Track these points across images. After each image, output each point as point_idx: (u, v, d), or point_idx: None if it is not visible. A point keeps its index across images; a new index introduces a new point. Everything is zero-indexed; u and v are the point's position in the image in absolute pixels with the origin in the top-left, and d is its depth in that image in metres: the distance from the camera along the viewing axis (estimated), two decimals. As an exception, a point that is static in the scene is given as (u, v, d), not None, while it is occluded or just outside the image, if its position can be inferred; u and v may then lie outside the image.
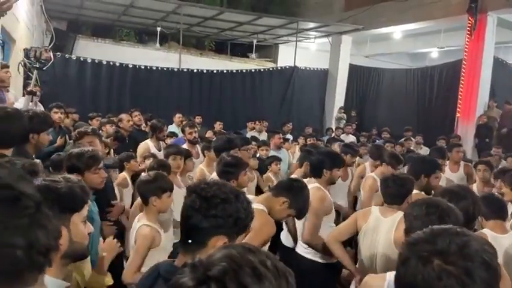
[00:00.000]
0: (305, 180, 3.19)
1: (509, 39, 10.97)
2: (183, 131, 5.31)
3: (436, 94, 11.30)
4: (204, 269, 0.77)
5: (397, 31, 11.75)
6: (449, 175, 5.07)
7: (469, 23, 9.06)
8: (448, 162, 5.21)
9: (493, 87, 9.63)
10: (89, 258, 1.89)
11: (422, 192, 3.09)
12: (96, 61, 9.89)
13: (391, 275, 1.66)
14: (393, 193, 2.64)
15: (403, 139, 8.45)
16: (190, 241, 1.33)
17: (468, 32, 9.16)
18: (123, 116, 5.54)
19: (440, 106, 10.88)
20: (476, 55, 9.15)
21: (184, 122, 6.35)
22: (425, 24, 10.52)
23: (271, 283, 0.78)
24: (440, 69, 11.42)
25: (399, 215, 2.43)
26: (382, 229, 2.55)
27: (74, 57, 9.85)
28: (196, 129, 5.16)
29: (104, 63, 9.97)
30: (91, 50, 10.83)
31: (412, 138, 8.66)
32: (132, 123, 5.63)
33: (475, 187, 4.59)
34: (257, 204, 2.40)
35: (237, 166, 2.99)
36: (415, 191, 3.01)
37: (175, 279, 0.79)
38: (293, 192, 2.46)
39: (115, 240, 2.16)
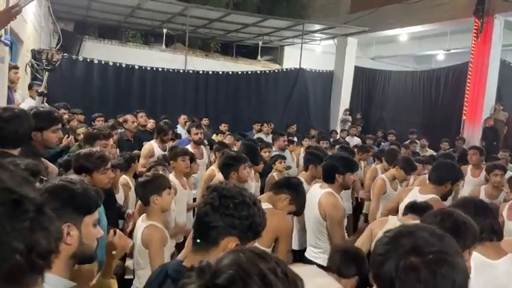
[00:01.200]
0: (317, 184, 3.20)
1: (517, 42, 10.91)
2: (188, 131, 5.35)
3: (442, 96, 11.25)
4: (211, 276, 0.76)
5: (403, 33, 11.71)
6: (470, 179, 5.12)
7: (476, 26, 9.02)
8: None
9: (500, 90, 9.57)
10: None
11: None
12: (103, 62, 9.94)
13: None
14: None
15: (408, 141, 8.43)
16: (203, 240, 1.33)
17: (475, 35, 9.12)
18: (128, 116, 5.60)
19: (446, 109, 10.83)
20: (482, 58, 9.11)
21: (188, 123, 6.38)
22: (432, 27, 10.49)
23: None
24: (446, 71, 11.37)
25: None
26: None
27: (80, 58, 9.91)
28: (202, 130, 5.23)
29: (111, 64, 10.02)
30: (97, 51, 10.90)
31: (417, 141, 8.62)
32: (137, 124, 5.66)
33: (482, 190, 4.57)
34: (265, 204, 2.44)
35: (238, 159, 3.09)
36: (434, 196, 3.00)
37: (182, 284, 0.78)
38: (292, 188, 2.50)
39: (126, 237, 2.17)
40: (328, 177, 3.08)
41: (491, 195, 4.45)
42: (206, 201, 1.35)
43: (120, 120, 6.18)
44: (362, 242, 2.73)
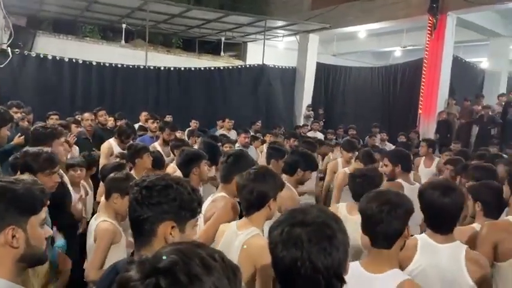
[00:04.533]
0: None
1: (468, 39, 11.47)
2: (161, 129, 5.40)
3: (400, 91, 11.67)
4: (152, 263, 0.78)
5: (362, 30, 12.02)
6: (423, 170, 5.37)
7: (430, 23, 9.40)
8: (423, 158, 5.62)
9: (453, 85, 10.03)
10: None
11: None
12: (58, 58, 9.55)
13: (353, 265, 1.71)
14: (360, 190, 2.64)
15: (368, 135, 8.67)
16: (141, 235, 1.34)
17: (429, 32, 9.49)
18: (86, 114, 5.47)
19: (404, 103, 11.23)
20: (436, 54, 9.51)
21: (150, 120, 6.28)
22: (388, 24, 10.83)
23: (220, 274, 0.79)
24: (403, 67, 11.80)
25: None
26: (348, 228, 2.58)
27: (33, 54, 9.46)
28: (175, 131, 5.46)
29: (66, 60, 9.64)
30: (52, 46, 10.43)
31: (378, 135, 8.90)
32: (95, 122, 5.53)
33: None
34: (219, 193, 2.51)
35: (199, 155, 3.09)
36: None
37: (122, 274, 0.79)
38: (239, 168, 2.43)
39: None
40: (289, 170, 3.21)
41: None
42: (131, 198, 1.37)
43: (78, 118, 5.98)
44: None
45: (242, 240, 1.88)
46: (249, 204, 1.94)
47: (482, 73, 11.73)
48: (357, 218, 2.52)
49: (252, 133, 7.63)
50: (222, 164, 2.61)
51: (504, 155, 5.58)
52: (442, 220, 1.94)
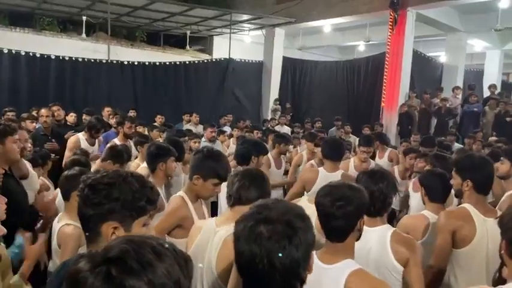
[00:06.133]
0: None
1: (427, 34, 11.87)
2: (120, 123, 5.24)
3: (363, 85, 11.95)
4: (102, 254, 0.77)
5: (326, 25, 12.18)
6: (377, 161, 5.58)
7: (391, 18, 9.66)
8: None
9: (413, 78, 10.38)
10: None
11: None
12: (14, 52, 9.13)
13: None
14: None
15: (336, 128, 8.84)
16: (87, 232, 1.32)
17: (390, 27, 9.76)
18: (42, 110, 5.30)
19: (367, 96, 11.52)
20: (397, 48, 9.79)
21: (112, 116, 6.13)
22: (351, 19, 11.04)
23: (172, 261, 0.80)
24: (366, 61, 12.08)
25: None
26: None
27: (-14, 47, 9.01)
28: (135, 124, 5.36)
29: (23, 54, 9.23)
30: (8, 39, 9.93)
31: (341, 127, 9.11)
32: (51, 117, 5.36)
33: (396, 170, 5.00)
34: (179, 192, 2.47)
35: (167, 150, 3.04)
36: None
37: (72, 266, 0.78)
38: (198, 163, 2.38)
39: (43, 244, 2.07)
40: (244, 159, 3.34)
41: (404, 175, 4.88)
42: (77, 194, 1.34)
43: (34, 114, 5.76)
44: None
45: (222, 237, 1.84)
46: (237, 198, 1.91)
47: (441, 67, 12.19)
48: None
49: (222, 128, 7.61)
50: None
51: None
52: (371, 205, 1.99)
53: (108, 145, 4.11)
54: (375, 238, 1.98)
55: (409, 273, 1.90)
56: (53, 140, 5.11)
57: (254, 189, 1.90)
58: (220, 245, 1.82)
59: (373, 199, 1.96)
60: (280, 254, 1.09)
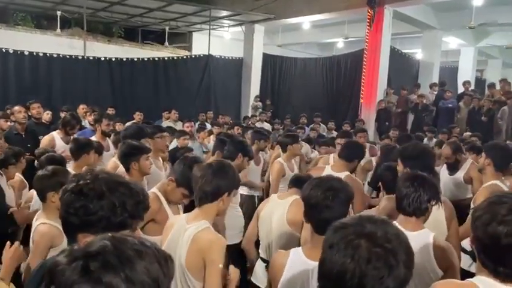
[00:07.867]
0: None
1: (404, 31, 12.07)
2: (98, 121, 5.12)
3: (342, 82, 12.08)
4: (83, 249, 0.77)
5: (305, 21, 12.23)
6: None
7: (369, 16, 9.78)
8: None
9: (390, 75, 10.55)
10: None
11: None
12: (-15, 48, 8.86)
13: (295, 252, 1.72)
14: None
15: (313, 124, 8.91)
16: (67, 235, 1.30)
17: (368, 24, 9.88)
18: (16, 108, 5.11)
19: (346, 93, 11.65)
20: (375, 45, 9.93)
21: (88, 113, 6.00)
22: (330, 16, 11.13)
23: (152, 259, 0.80)
24: (345, 58, 12.21)
25: (293, 197, 2.61)
26: (277, 212, 2.65)
27: (-42, 43, 8.70)
28: (113, 121, 5.21)
29: (-5, 50, 8.97)
30: (-21, 35, 9.64)
31: (321, 124, 9.17)
32: (26, 115, 5.19)
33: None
34: (153, 189, 2.47)
35: (139, 149, 2.98)
36: (347, 173, 3.40)
37: (52, 263, 0.77)
38: (177, 168, 2.38)
39: (18, 247, 2.03)
40: (231, 159, 3.26)
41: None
42: (61, 200, 1.30)
43: (8, 112, 5.58)
44: (253, 226, 2.82)
45: (192, 234, 1.84)
46: (203, 196, 1.89)
47: (417, 63, 12.42)
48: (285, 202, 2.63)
49: (202, 124, 7.55)
50: None
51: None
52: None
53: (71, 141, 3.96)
54: (416, 244, 1.96)
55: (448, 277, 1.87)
56: (27, 139, 4.96)
57: (217, 180, 1.88)
58: (189, 242, 1.84)
59: (408, 200, 1.96)
60: (376, 284, 0.99)
